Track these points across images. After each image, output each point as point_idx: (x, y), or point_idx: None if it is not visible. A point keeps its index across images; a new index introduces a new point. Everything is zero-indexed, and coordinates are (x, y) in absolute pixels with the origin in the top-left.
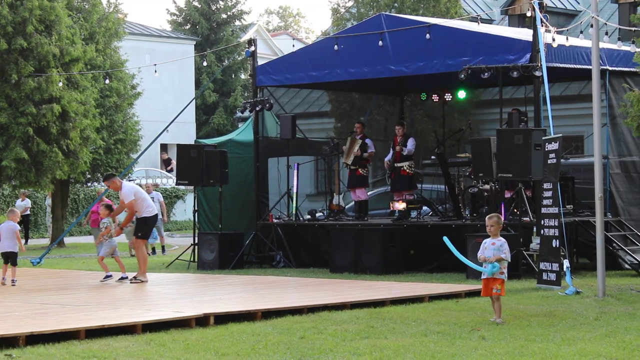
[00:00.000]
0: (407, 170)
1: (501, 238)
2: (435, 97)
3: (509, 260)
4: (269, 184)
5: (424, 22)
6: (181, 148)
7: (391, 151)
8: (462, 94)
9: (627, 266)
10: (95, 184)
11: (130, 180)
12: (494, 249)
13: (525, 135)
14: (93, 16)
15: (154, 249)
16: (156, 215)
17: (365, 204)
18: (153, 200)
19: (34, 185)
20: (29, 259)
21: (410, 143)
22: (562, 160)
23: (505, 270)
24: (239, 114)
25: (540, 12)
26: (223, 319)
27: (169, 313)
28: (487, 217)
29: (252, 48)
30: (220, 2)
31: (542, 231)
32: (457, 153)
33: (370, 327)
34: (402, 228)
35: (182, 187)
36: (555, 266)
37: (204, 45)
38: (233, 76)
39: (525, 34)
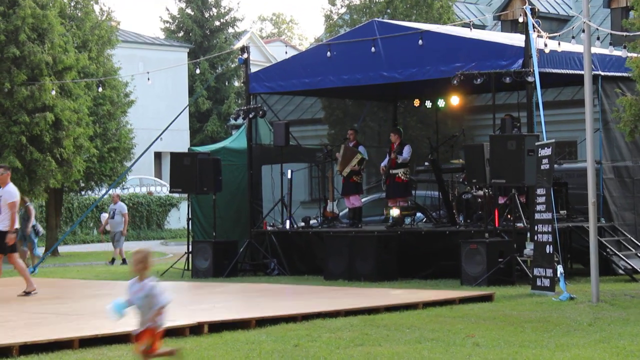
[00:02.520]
0: (402, 177)
1: (148, 281)
2: (428, 103)
3: (166, 303)
4: (263, 192)
5: (416, 29)
6: (175, 156)
7: (387, 157)
8: (455, 100)
9: (620, 271)
10: (89, 192)
11: (124, 189)
12: (141, 297)
13: (519, 141)
14: (86, 24)
15: (113, 260)
16: (17, 229)
17: (359, 211)
18: (115, 213)
19: (27, 194)
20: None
21: (406, 150)
22: (555, 165)
23: (161, 318)
24: (232, 122)
25: (533, 17)
26: (217, 327)
27: None
28: (134, 251)
29: (245, 55)
30: (214, 10)
31: (535, 237)
32: (451, 159)
33: (365, 334)
34: (396, 235)
35: (175, 195)
36: (549, 272)
37: (197, 52)
38: (226, 83)
39: (517, 40)
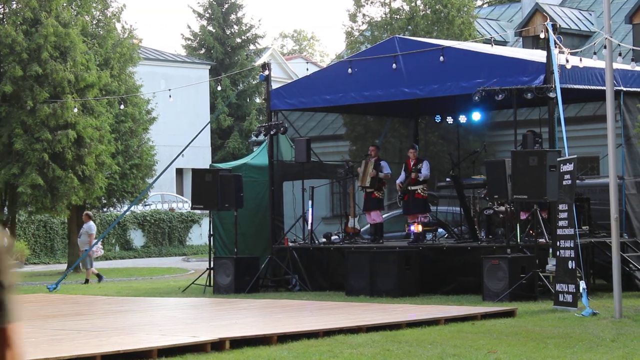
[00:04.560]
0: (422, 193)
1: None
2: (449, 119)
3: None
4: (284, 208)
5: (437, 45)
6: (196, 172)
7: (403, 173)
8: (476, 116)
9: None
10: (111, 209)
11: (146, 206)
12: None
13: (540, 157)
14: (108, 42)
15: (87, 280)
16: None
17: (381, 227)
18: (81, 233)
19: (49, 211)
20: (45, 285)
21: (426, 167)
22: (577, 181)
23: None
24: (253, 138)
25: (554, 33)
26: (239, 343)
27: (184, 338)
28: None
29: (267, 72)
30: (235, 27)
31: (558, 252)
32: (472, 175)
33: (386, 350)
34: (418, 250)
35: (197, 212)
36: (572, 287)
37: (219, 69)
38: (248, 100)
39: (539, 56)
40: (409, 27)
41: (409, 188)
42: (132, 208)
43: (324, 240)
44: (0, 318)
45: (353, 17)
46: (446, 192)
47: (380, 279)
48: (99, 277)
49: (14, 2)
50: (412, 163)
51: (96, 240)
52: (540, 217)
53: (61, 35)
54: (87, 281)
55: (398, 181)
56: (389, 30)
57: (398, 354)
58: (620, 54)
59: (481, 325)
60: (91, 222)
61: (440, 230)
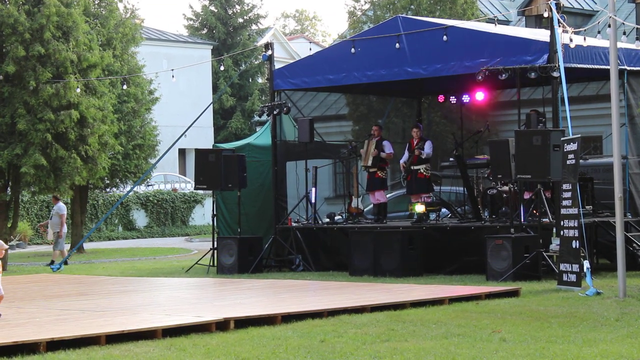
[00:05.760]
0: (424, 173)
1: None
2: (452, 99)
3: None
4: (287, 188)
5: (440, 24)
6: (199, 152)
7: (406, 153)
8: (479, 96)
9: None
10: (114, 189)
11: (149, 186)
12: None
13: (544, 136)
14: (110, 22)
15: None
16: None
17: (384, 207)
18: (52, 214)
19: (53, 191)
20: (49, 265)
21: (428, 146)
22: (581, 160)
23: None
24: (256, 118)
25: (557, 12)
26: (243, 323)
27: (189, 318)
28: None
29: (269, 52)
30: (237, 7)
31: (561, 232)
32: (476, 155)
33: (391, 330)
34: (421, 230)
35: (200, 192)
36: (576, 267)
37: (221, 49)
38: (250, 80)
39: (542, 35)
40: (412, 7)
41: (412, 167)
42: (135, 188)
43: (327, 220)
44: None
45: None
46: (449, 172)
47: (383, 259)
48: (65, 262)
49: None
50: (415, 143)
51: (99, 221)
52: (543, 197)
53: (63, 15)
54: (52, 262)
55: (401, 161)
56: (391, 10)
57: (402, 333)
58: (624, 33)
59: (485, 305)
60: (60, 203)
61: (443, 210)
